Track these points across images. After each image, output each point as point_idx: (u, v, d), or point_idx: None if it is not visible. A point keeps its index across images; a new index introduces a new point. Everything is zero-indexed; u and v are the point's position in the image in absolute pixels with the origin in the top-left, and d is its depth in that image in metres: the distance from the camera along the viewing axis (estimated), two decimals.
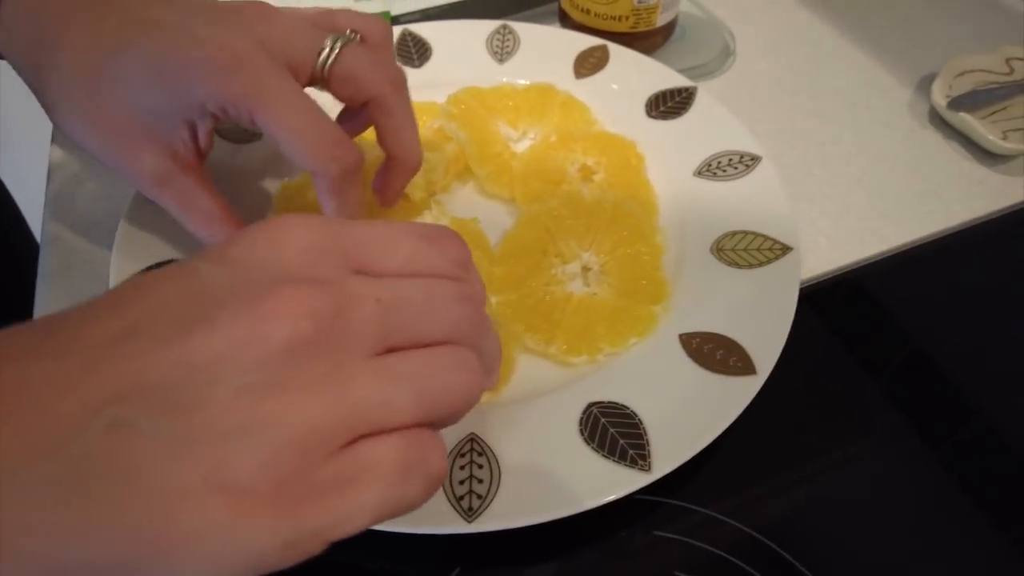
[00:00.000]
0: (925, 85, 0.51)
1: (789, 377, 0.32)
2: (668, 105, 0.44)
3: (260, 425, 0.17)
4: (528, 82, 0.45)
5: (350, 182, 0.31)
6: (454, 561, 0.29)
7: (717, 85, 0.51)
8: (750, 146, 0.41)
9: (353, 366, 0.18)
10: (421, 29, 0.49)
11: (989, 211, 0.43)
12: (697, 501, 0.31)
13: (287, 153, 0.29)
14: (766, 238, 0.37)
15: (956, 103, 0.46)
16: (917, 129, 0.48)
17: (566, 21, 0.51)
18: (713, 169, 0.40)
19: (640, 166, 0.41)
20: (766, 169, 0.40)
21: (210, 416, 0.17)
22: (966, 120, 0.45)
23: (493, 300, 0.35)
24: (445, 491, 0.28)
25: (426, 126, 0.43)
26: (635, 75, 0.46)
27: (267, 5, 0.32)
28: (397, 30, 0.49)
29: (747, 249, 0.36)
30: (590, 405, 0.31)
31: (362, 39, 0.33)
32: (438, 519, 0.27)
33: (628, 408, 0.31)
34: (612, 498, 0.28)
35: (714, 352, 0.32)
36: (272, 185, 0.40)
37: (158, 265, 0.36)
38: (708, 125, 0.43)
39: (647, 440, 0.29)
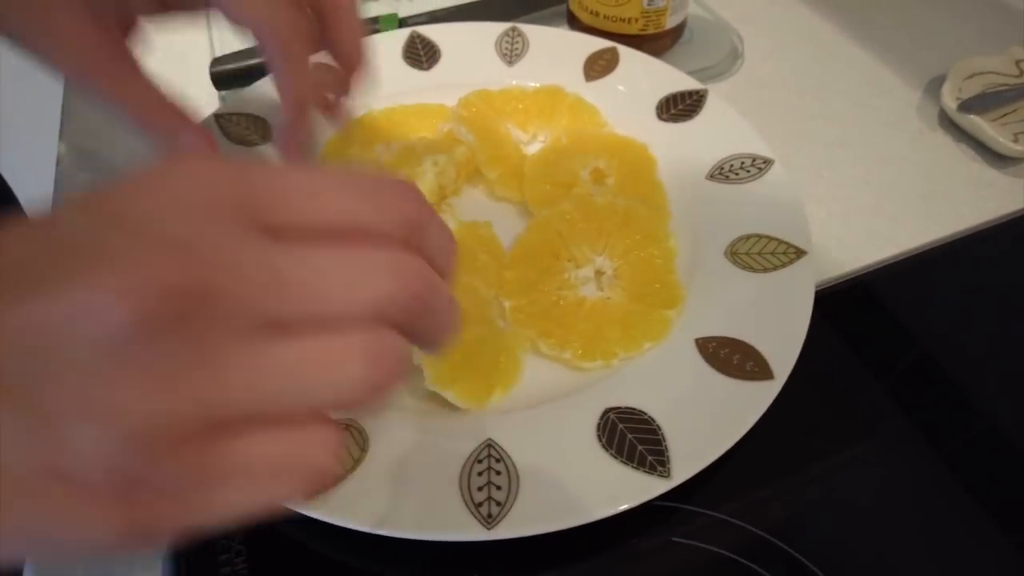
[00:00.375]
0: (933, 87, 0.51)
1: (799, 380, 0.32)
2: (679, 108, 0.44)
3: (102, 413, 0.15)
4: (537, 85, 0.45)
5: (301, 44, 0.28)
6: (470, 567, 0.29)
7: (725, 87, 0.51)
8: (762, 149, 0.41)
9: (219, 351, 0.16)
10: (430, 31, 0.49)
11: (999, 214, 0.43)
12: (713, 506, 0.31)
13: (226, 10, 0.27)
14: (780, 242, 0.37)
15: (966, 105, 0.46)
16: (926, 131, 0.48)
17: (574, 23, 0.51)
18: (725, 172, 0.40)
19: (652, 169, 0.40)
20: (778, 172, 0.40)
21: (49, 398, 0.15)
22: (976, 123, 0.45)
23: (506, 304, 0.35)
24: (464, 498, 0.28)
25: (436, 129, 0.43)
26: (645, 77, 0.46)
27: None
28: (405, 32, 0.49)
29: (761, 253, 0.36)
30: (607, 411, 0.31)
31: None
32: (457, 526, 0.27)
33: (646, 414, 0.30)
34: (632, 505, 0.28)
35: (731, 357, 0.32)
36: None
37: None
38: (719, 128, 0.42)
39: (666, 446, 0.29)
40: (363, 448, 0.30)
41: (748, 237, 0.37)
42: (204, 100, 0.50)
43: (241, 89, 0.46)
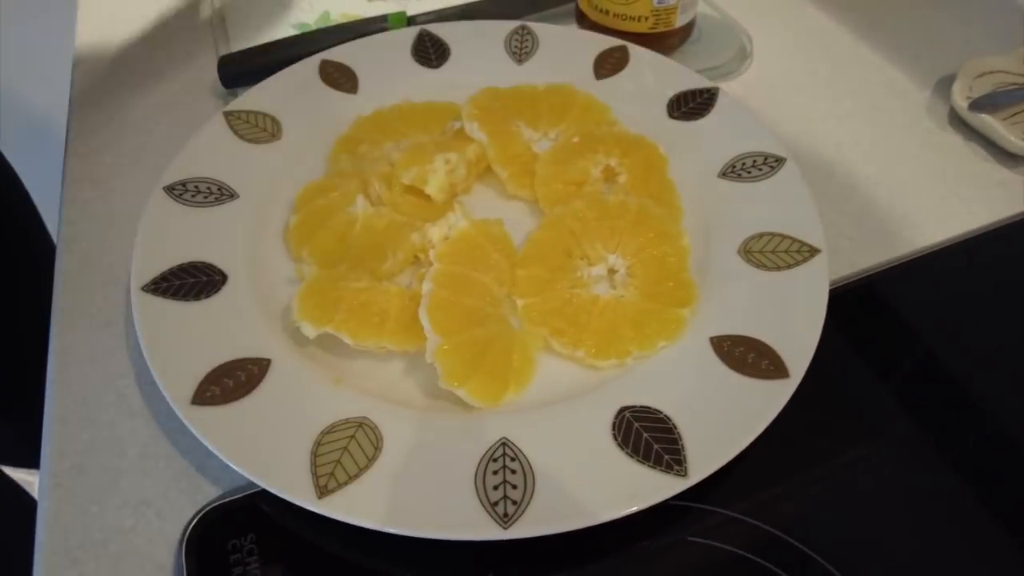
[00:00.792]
0: (942, 86, 0.51)
1: (810, 379, 0.32)
2: (690, 106, 0.44)
3: None
4: (548, 83, 0.45)
5: None
6: (486, 566, 0.29)
7: (733, 87, 0.51)
8: (774, 147, 0.41)
9: None
10: (439, 30, 0.48)
11: (1011, 213, 0.43)
12: (726, 504, 0.31)
13: None
14: (793, 240, 0.36)
15: (977, 104, 0.46)
16: (936, 131, 0.48)
17: (583, 21, 0.51)
18: (738, 170, 0.40)
19: (663, 167, 0.40)
20: (791, 170, 0.39)
21: None
22: (987, 122, 0.45)
23: (518, 302, 0.35)
24: (479, 498, 0.28)
25: (446, 127, 0.43)
26: (655, 76, 0.46)
27: None
28: (414, 31, 0.48)
29: (775, 251, 0.36)
30: (622, 409, 0.31)
31: None
32: (473, 526, 0.27)
33: (661, 412, 0.30)
34: (649, 504, 0.28)
35: (746, 355, 0.32)
36: (294, 186, 0.40)
37: (181, 267, 0.35)
38: (731, 126, 0.42)
39: (682, 445, 0.29)
40: (377, 447, 0.29)
41: (761, 235, 0.37)
42: (212, 98, 0.50)
43: (250, 86, 0.46)
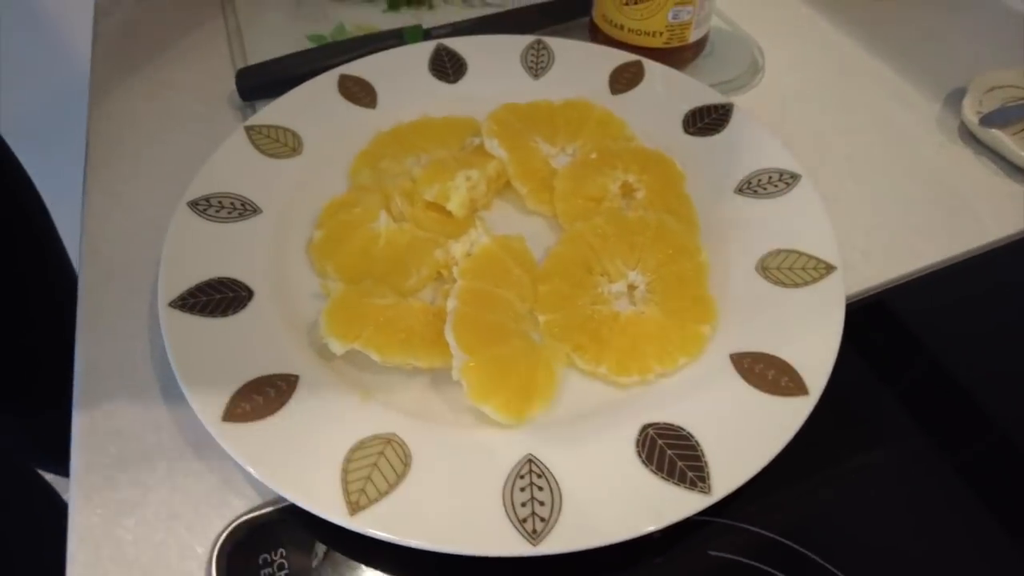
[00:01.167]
0: (952, 100, 0.51)
1: (828, 395, 0.33)
2: (705, 121, 0.44)
3: None
4: (563, 98, 0.45)
5: None
6: None
7: (745, 100, 0.52)
8: (789, 164, 0.41)
9: None
10: (456, 44, 0.49)
11: (1022, 227, 0.44)
12: (748, 519, 0.31)
13: None
14: (810, 257, 0.37)
15: (988, 120, 0.47)
16: (947, 144, 0.49)
17: (597, 36, 0.52)
18: (754, 187, 0.41)
19: (681, 183, 0.41)
20: (806, 187, 0.40)
21: None
22: (998, 137, 0.46)
23: (540, 318, 0.36)
24: (508, 514, 0.28)
25: (465, 142, 0.43)
26: (671, 91, 0.46)
27: None
28: (431, 45, 0.49)
29: (792, 268, 0.37)
30: (646, 426, 0.31)
31: None
32: (503, 542, 0.27)
33: (684, 429, 0.31)
34: (674, 520, 0.28)
35: (765, 372, 0.33)
36: (316, 201, 0.40)
37: (207, 283, 0.36)
38: (746, 142, 0.43)
39: (705, 462, 0.30)
40: (406, 463, 0.30)
41: (778, 252, 0.38)
42: (229, 110, 0.50)
43: (267, 98, 0.46)
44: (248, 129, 0.43)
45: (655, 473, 0.29)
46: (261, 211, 0.40)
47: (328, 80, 0.46)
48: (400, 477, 0.29)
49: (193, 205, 0.39)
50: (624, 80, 0.47)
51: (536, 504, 0.29)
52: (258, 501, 0.32)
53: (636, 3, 0.47)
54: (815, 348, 0.33)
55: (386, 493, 0.29)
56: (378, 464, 0.30)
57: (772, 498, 0.32)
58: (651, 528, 0.28)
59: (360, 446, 0.30)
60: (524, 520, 0.28)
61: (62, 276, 0.61)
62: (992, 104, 0.48)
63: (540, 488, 0.29)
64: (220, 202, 0.39)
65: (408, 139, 0.43)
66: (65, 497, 0.68)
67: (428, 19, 0.55)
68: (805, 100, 0.52)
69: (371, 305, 0.34)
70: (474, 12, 0.56)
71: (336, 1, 0.58)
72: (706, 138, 0.44)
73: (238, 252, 0.37)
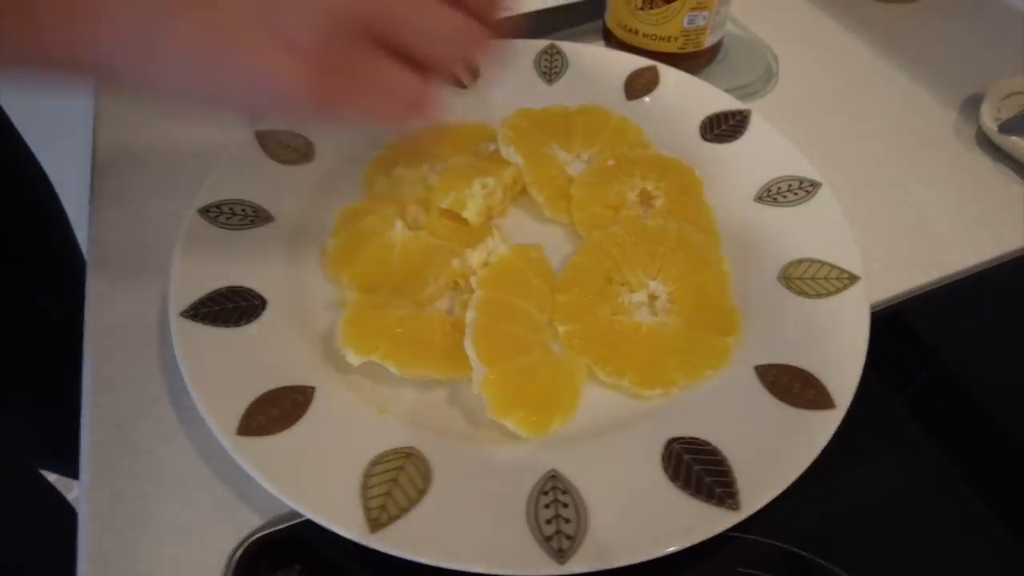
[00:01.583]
0: (968, 106, 0.51)
1: (852, 407, 0.32)
2: (723, 128, 0.44)
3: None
4: (578, 103, 0.45)
5: None
6: None
7: (760, 106, 0.51)
8: (809, 172, 0.41)
9: None
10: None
11: None
12: (773, 534, 0.31)
13: None
14: (833, 267, 0.36)
15: (1007, 127, 0.46)
16: (964, 151, 0.48)
17: (611, 40, 0.51)
18: (773, 195, 0.40)
19: (699, 191, 0.40)
20: (826, 195, 0.39)
21: None
22: (1018, 144, 0.45)
23: (560, 329, 0.35)
24: (533, 532, 0.27)
25: (480, 148, 0.42)
26: (687, 97, 0.46)
27: None
28: None
29: (815, 278, 0.36)
30: (671, 441, 0.31)
31: None
32: (530, 561, 0.27)
33: (711, 444, 0.30)
34: (703, 538, 0.27)
35: (791, 385, 0.32)
36: (329, 208, 0.40)
37: (220, 292, 0.35)
38: (765, 149, 0.42)
39: (733, 477, 0.29)
40: (427, 478, 0.29)
41: (800, 261, 0.37)
42: (240, 117, 0.49)
43: None
44: (259, 135, 0.42)
45: (682, 490, 0.29)
46: (273, 218, 0.39)
47: None
48: (421, 493, 0.29)
49: (204, 212, 0.38)
50: (639, 85, 0.46)
51: (562, 521, 0.28)
52: (274, 516, 0.31)
53: (651, 8, 0.47)
54: (841, 360, 0.33)
55: (407, 510, 0.28)
56: (398, 479, 0.29)
57: (799, 512, 0.31)
58: (681, 546, 0.27)
59: (379, 460, 0.30)
60: (550, 538, 0.27)
61: (71, 267, 0.60)
62: (1010, 111, 0.48)
63: (565, 505, 0.28)
64: (231, 209, 0.38)
65: (422, 145, 0.42)
66: (70, 497, 0.67)
67: None
68: (820, 107, 0.51)
69: (388, 316, 0.33)
70: None
71: None
72: (724, 145, 0.43)
73: (250, 260, 0.37)
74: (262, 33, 0.24)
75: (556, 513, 0.28)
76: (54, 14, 0.24)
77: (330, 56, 0.25)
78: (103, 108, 0.50)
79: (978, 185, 0.46)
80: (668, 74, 0.47)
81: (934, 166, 0.47)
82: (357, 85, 0.26)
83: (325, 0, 0.24)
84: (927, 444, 0.34)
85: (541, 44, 0.48)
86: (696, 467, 0.29)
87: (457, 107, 0.46)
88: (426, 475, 0.29)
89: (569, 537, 0.27)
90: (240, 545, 0.30)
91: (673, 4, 0.46)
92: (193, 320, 0.34)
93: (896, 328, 0.39)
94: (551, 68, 0.48)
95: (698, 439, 0.30)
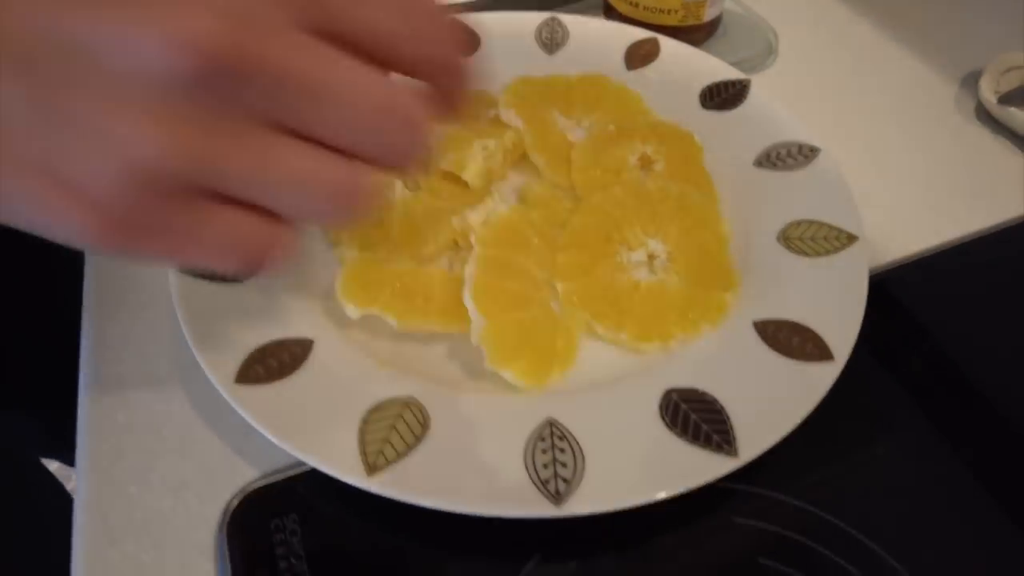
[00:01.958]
0: (969, 81, 0.51)
1: (856, 361, 0.32)
2: (722, 97, 0.44)
3: (123, 136, 0.17)
4: (579, 73, 0.45)
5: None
6: (532, 548, 0.29)
7: (759, 81, 0.51)
8: (808, 137, 0.41)
9: (237, 127, 0.18)
10: (469, 20, 0.48)
11: None
12: (770, 486, 0.31)
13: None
14: (832, 227, 0.36)
15: (1006, 99, 0.46)
16: (964, 125, 0.48)
17: (611, 14, 0.51)
18: (773, 160, 0.40)
19: (699, 156, 0.40)
20: (826, 160, 0.40)
21: (75, 103, 0.16)
22: (1017, 115, 0.46)
23: (559, 287, 0.35)
24: (530, 475, 0.27)
25: (481, 114, 0.43)
26: (687, 67, 0.46)
27: None
28: None
29: (814, 238, 0.36)
30: (669, 391, 0.30)
31: None
32: (526, 503, 0.27)
33: (708, 394, 0.30)
34: (701, 483, 0.27)
35: (790, 338, 0.32)
36: None
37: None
38: (764, 117, 0.42)
39: (731, 425, 0.29)
40: (424, 425, 0.29)
41: (799, 223, 0.37)
42: None
43: None
44: None
45: (680, 437, 0.29)
46: None
47: None
48: (418, 439, 0.29)
49: None
50: (639, 56, 0.47)
51: (559, 466, 0.28)
52: (270, 468, 0.31)
53: None
54: (839, 315, 0.33)
55: (404, 454, 0.28)
56: (396, 426, 0.29)
57: (798, 466, 0.31)
58: (679, 490, 0.27)
59: (377, 408, 0.29)
60: (547, 481, 0.27)
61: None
62: (1010, 84, 0.48)
63: (562, 450, 0.28)
64: None
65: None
66: (69, 487, 0.67)
67: None
68: (820, 81, 0.51)
69: (388, 270, 0.33)
70: None
71: None
72: (724, 112, 0.43)
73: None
74: (43, 178, 0.17)
75: (553, 458, 0.28)
76: None
77: (142, 209, 0.18)
78: None
79: (979, 157, 0.46)
80: (668, 45, 0.47)
81: (934, 139, 0.47)
82: (180, 238, 0.19)
83: (131, 150, 0.17)
84: (922, 406, 0.34)
85: (542, 16, 0.49)
86: (694, 416, 0.29)
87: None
88: (424, 422, 0.29)
89: (566, 480, 0.27)
90: (236, 495, 0.30)
91: None
92: (191, 274, 0.34)
93: (893, 292, 0.39)
94: (552, 39, 0.48)
95: (696, 389, 0.30)
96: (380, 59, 0.20)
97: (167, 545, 0.29)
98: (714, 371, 0.31)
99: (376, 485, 0.27)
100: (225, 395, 0.30)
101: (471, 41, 0.21)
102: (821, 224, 0.37)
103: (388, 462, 0.28)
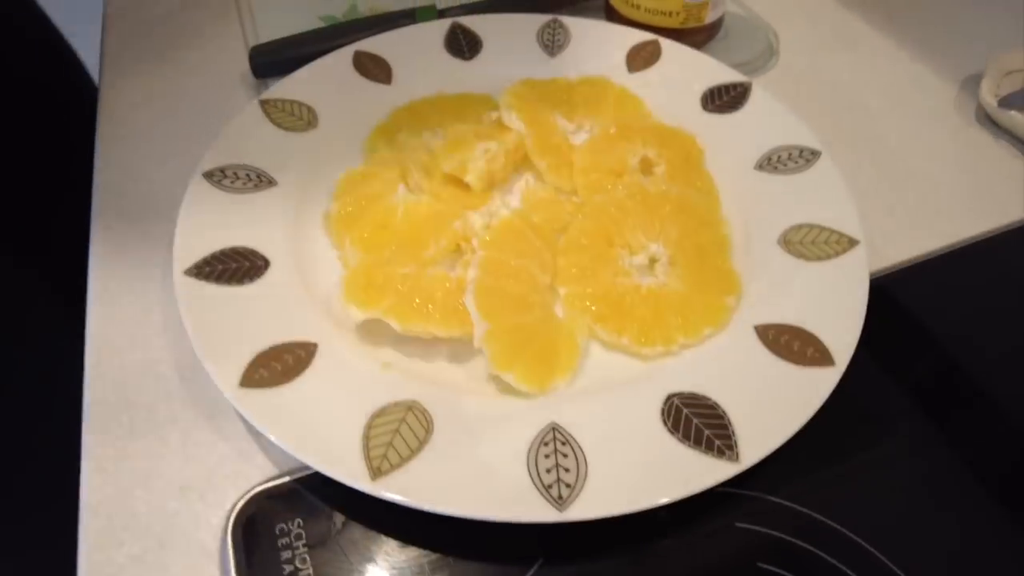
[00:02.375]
0: (970, 83, 0.51)
1: (857, 365, 0.32)
2: (724, 99, 0.44)
3: None
4: (580, 75, 0.45)
5: None
6: (536, 552, 0.29)
7: (761, 83, 0.51)
8: (809, 140, 0.41)
9: None
10: (471, 22, 0.48)
11: None
12: (772, 491, 0.31)
13: None
14: (832, 231, 0.37)
15: (1006, 102, 0.46)
16: (964, 127, 0.49)
17: (613, 16, 0.51)
18: (774, 163, 0.40)
19: (700, 159, 0.41)
20: (826, 163, 0.40)
21: None
22: (1017, 119, 0.46)
23: (561, 291, 0.35)
24: (533, 479, 0.28)
25: (484, 116, 0.43)
26: (688, 69, 0.46)
27: None
28: (446, 23, 0.48)
29: (815, 242, 0.36)
30: (671, 396, 0.31)
31: None
32: (528, 508, 0.27)
33: (710, 399, 0.30)
34: (703, 488, 0.28)
35: (791, 343, 0.32)
36: (332, 174, 0.40)
37: (223, 252, 0.35)
38: (765, 119, 0.42)
39: (732, 430, 0.29)
40: (428, 429, 0.29)
41: (800, 226, 0.37)
42: (241, 87, 0.50)
43: (280, 77, 0.46)
44: (263, 103, 0.42)
45: (682, 442, 0.29)
46: (277, 183, 0.39)
47: (343, 56, 0.46)
48: (422, 443, 0.29)
49: (208, 176, 0.38)
50: (641, 59, 0.47)
51: (561, 471, 0.28)
52: (274, 472, 0.32)
53: None
54: (840, 320, 0.33)
55: (408, 459, 0.28)
56: (400, 430, 0.29)
57: (799, 471, 0.31)
58: (680, 495, 0.27)
59: (381, 412, 0.30)
60: (549, 486, 0.27)
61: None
62: (1010, 87, 0.48)
63: (565, 455, 0.29)
64: (235, 173, 0.39)
65: (425, 114, 0.43)
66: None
67: (441, 0, 0.55)
68: (820, 83, 0.51)
69: (391, 273, 0.33)
70: None
71: None
72: (725, 115, 0.43)
73: (254, 222, 0.37)
74: None
75: (556, 463, 0.28)
76: None
77: None
78: (108, 80, 0.51)
79: (979, 160, 0.46)
80: (670, 48, 0.47)
81: (935, 142, 0.48)
82: None
83: None
84: (924, 409, 0.34)
85: (544, 18, 0.49)
86: (696, 420, 0.30)
87: (458, 79, 0.46)
88: (427, 426, 0.29)
89: (568, 485, 0.27)
90: (240, 499, 0.31)
91: None
92: (197, 278, 0.34)
93: (894, 296, 0.39)
94: (553, 41, 0.48)
95: (697, 394, 0.31)
96: None
97: (172, 548, 0.30)
98: (716, 375, 0.31)
99: (380, 489, 0.27)
100: (230, 399, 0.30)
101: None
102: (822, 228, 0.37)
103: (392, 466, 0.28)
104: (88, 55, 0.56)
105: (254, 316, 0.33)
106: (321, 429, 0.29)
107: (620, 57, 0.47)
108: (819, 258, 0.36)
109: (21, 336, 0.55)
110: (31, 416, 0.58)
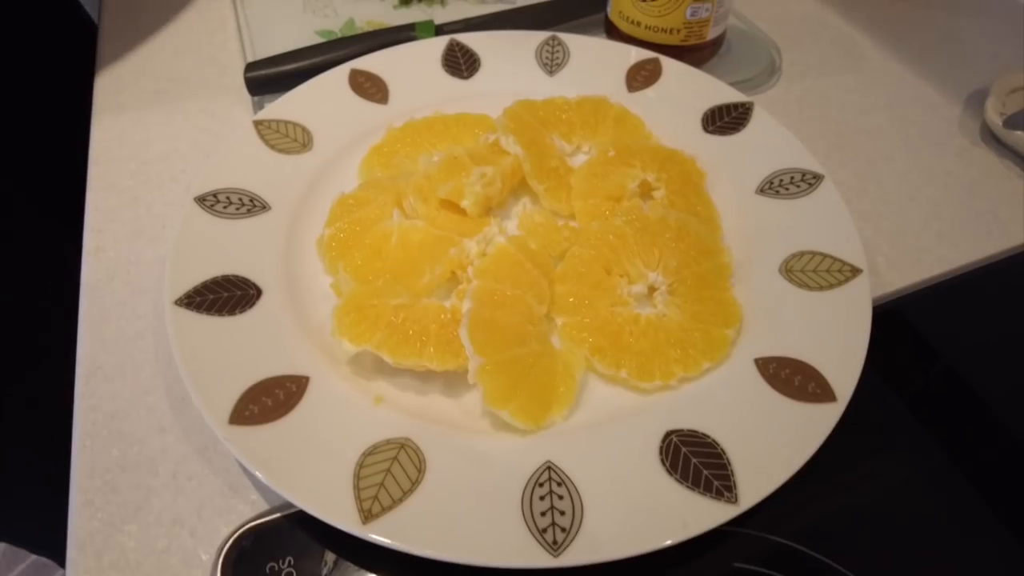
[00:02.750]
0: (973, 102, 0.50)
1: (855, 402, 0.31)
2: (725, 120, 0.43)
3: None
4: (579, 95, 0.44)
5: None
6: None
7: (763, 100, 0.51)
8: (811, 164, 0.40)
9: None
10: (469, 40, 0.48)
11: None
12: (769, 529, 0.30)
13: None
14: (835, 259, 0.36)
15: (1012, 122, 0.46)
16: (969, 147, 0.48)
17: (613, 33, 0.51)
18: (775, 187, 0.40)
19: (701, 183, 0.40)
20: (829, 188, 0.39)
21: None
22: (1022, 139, 0.45)
23: (558, 321, 0.34)
24: (527, 523, 0.27)
25: (478, 139, 0.42)
26: (689, 89, 0.45)
27: None
28: (444, 40, 0.48)
29: (816, 270, 0.36)
30: (669, 433, 0.30)
31: None
32: (522, 553, 0.26)
33: (709, 437, 0.30)
34: (701, 531, 0.27)
35: (792, 378, 0.32)
36: (326, 198, 0.39)
37: (215, 280, 0.35)
38: (767, 142, 0.42)
39: (732, 471, 0.29)
40: (420, 469, 0.29)
41: (802, 254, 0.36)
42: (237, 104, 0.49)
43: (276, 93, 0.45)
44: (257, 124, 0.42)
45: (680, 482, 0.28)
46: (270, 207, 0.38)
47: (338, 75, 0.45)
48: (415, 484, 0.28)
49: (200, 201, 0.38)
50: (641, 78, 0.46)
51: (556, 513, 0.27)
52: (265, 507, 0.31)
53: None
54: (842, 353, 0.32)
55: (400, 500, 0.28)
56: (391, 470, 0.29)
57: (797, 507, 0.31)
58: (677, 539, 0.27)
59: (373, 451, 0.29)
60: (544, 530, 0.27)
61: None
62: (1015, 106, 0.47)
63: (560, 497, 0.28)
64: (228, 198, 0.38)
65: (421, 136, 0.42)
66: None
67: (440, 15, 0.54)
68: (823, 101, 0.51)
69: (384, 305, 0.33)
70: (487, 8, 0.55)
71: None
72: (726, 137, 0.43)
73: (246, 249, 0.36)
74: None
75: (551, 505, 0.28)
76: None
77: None
78: (102, 96, 0.50)
79: (983, 180, 0.46)
80: (670, 66, 0.46)
81: (938, 161, 0.47)
82: None
83: None
84: (928, 439, 0.34)
85: (543, 35, 0.48)
86: (695, 460, 0.29)
87: (455, 98, 0.45)
88: (420, 466, 0.29)
89: (564, 529, 0.27)
90: (231, 536, 0.30)
91: None
92: (188, 308, 0.33)
93: (898, 323, 0.38)
94: (552, 59, 0.47)
95: (696, 432, 0.30)
96: None
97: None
98: (715, 412, 0.31)
99: (371, 533, 0.27)
100: (220, 436, 0.29)
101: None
102: (824, 256, 0.36)
103: (384, 509, 0.27)
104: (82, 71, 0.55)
105: (246, 348, 0.32)
106: (311, 468, 0.28)
107: (620, 76, 0.46)
108: (821, 287, 0.35)
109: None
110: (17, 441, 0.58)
